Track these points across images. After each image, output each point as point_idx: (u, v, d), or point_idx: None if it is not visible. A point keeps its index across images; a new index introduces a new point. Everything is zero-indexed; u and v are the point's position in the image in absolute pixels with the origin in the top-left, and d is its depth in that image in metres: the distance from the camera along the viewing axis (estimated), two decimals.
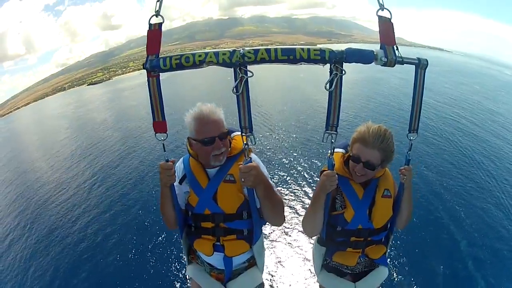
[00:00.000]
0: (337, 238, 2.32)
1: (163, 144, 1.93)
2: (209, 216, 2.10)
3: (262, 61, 1.65)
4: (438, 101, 26.22)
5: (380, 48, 1.74)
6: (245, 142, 1.81)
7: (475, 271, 8.65)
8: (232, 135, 2.16)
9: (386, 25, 1.74)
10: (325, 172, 1.96)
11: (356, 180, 2.18)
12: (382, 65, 1.74)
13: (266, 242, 8.97)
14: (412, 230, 9.81)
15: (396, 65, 1.76)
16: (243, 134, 1.79)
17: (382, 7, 1.71)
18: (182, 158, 2.27)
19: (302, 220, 2.27)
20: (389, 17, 1.73)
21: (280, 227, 9.99)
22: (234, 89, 1.69)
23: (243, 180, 1.85)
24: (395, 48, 1.74)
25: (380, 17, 1.74)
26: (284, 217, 2.18)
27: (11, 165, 23.75)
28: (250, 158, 1.89)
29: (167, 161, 1.95)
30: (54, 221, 13.23)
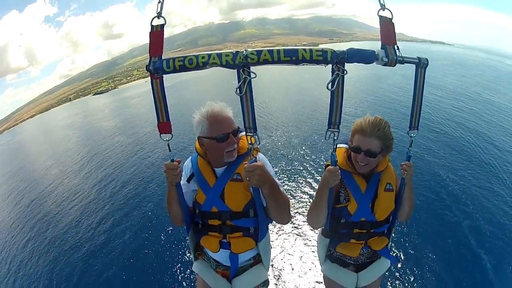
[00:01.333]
0: (341, 230, 2.38)
1: (168, 144, 1.96)
2: (216, 214, 2.13)
3: (265, 62, 1.66)
4: (439, 94, 26.24)
5: (381, 48, 1.76)
6: (249, 142, 1.83)
7: (477, 247, 8.66)
8: (240, 135, 2.15)
9: (387, 25, 1.76)
10: (328, 168, 2.00)
11: (359, 170, 2.23)
12: (383, 65, 1.76)
13: (272, 238, 9.00)
14: (415, 217, 9.87)
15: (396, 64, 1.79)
16: (248, 134, 1.82)
17: (383, 7, 1.73)
18: (190, 157, 2.30)
19: (307, 213, 2.32)
20: (390, 17, 1.75)
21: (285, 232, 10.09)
22: (238, 90, 1.71)
23: (248, 179, 1.87)
24: (396, 48, 1.76)
25: (381, 17, 1.76)
26: (290, 216, 2.20)
27: (23, 174, 24.03)
28: (256, 157, 1.92)
29: (173, 160, 1.98)
30: (65, 224, 13.47)
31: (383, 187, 2.28)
